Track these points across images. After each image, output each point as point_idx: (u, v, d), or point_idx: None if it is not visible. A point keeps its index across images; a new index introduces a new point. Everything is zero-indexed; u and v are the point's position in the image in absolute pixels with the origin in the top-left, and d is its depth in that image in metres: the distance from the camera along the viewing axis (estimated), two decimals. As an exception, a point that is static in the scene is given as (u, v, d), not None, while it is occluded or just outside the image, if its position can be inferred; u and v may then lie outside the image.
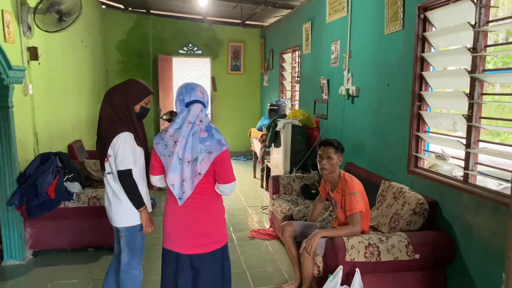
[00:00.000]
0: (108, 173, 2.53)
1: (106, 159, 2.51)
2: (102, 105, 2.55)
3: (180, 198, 2.21)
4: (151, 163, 2.34)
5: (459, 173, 3.03)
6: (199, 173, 2.16)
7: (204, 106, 2.23)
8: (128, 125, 2.50)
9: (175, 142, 2.17)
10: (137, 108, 2.57)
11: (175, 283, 2.33)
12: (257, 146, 7.07)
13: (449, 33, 2.99)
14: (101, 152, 2.54)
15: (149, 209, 2.65)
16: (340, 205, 3.03)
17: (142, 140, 2.57)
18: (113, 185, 2.53)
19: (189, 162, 2.15)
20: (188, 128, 2.16)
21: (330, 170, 3.06)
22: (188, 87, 2.25)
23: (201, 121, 2.19)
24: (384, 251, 2.68)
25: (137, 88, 2.58)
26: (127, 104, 2.51)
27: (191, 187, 2.18)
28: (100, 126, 2.55)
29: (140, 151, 2.56)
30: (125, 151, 2.43)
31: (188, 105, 2.21)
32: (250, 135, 7.70)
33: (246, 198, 6.10)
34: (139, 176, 2.55)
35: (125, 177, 2.46)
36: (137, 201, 2.51)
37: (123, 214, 2.54)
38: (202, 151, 2.14)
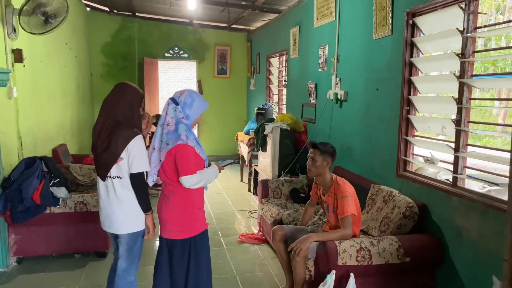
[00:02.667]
0: (114, 177, 2.47)
1: (115, 163, 2.44)
2: (104, 113, 2.49)
3: (152, 181, 2.53)
4: None
5: (444, 176, 3.07)
6: (160, 160, 2.46)
7: (175, 103, 2.48)
8: (138, 128, 2.56)
9: None
10: (140, 111, 2.62)
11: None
12: (244, 150, 7.05)
13: (438, 38, 3.04)
14: (107, 158, 2.45)
15: None
16: (332, 208, 3.04)
17: (145, 143, 2.63)
18: (118, 191, 2.48)
19: (154, 149, 2.47)
20: (160, 121, 2.50)
21: (314, 172, 3.10)
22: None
23: (166, 113, 2.46)
24: (376, 254, 2.69)
25: (136, 92, 2.60)
26: (133, 108, 2.55)
27: (154, 171, 2.49)
28: (101, 135, 2.48)
29: None
30: (141, 153, 2.47)
31: None
32: (237, 139, 7.69)
33: (234, 202, 6.08)
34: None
35: (139, 180, 2.47)
36: (146, 204, 2.55)
37: (127, 220, 2.53)
38: (163, 141, 2.43)
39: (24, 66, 4.15)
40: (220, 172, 2.68)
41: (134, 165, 2.44)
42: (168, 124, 2.44)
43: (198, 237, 2.54)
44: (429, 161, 3.17)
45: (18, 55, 3.92)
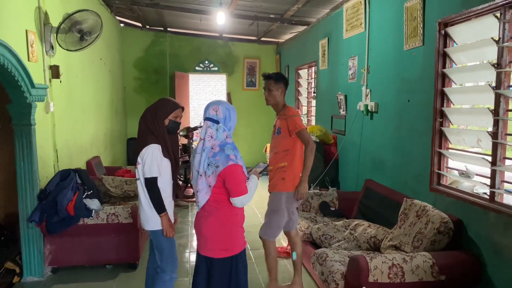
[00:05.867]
0: (137, 179, 2.79)
1: (136, 166, 2.77)
2: (139, 121, 2.85)
3: (197, 205, 2.49)
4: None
5: (481, 190, 2.95)
6: (209, 186, 2.37)
7: (216, 123, 2.40)
8: (158, 137, 2.74)
9: (195, 156, 2.45)
10: (166, 121, 2.82)
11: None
12: (273, 162, 7.02)
13: (472, 48, 2.96)
14: (134, 160, 2.81)
15: (171, 217, 2.84)
16: (278, 130, 3.35)
17: (171, 153, 2.81)
18: (141, 191, 2.78)
19: (201, 175, 2.37)
20: (200, 144, 2.41)
21: (271, 101, 3.38)
22: (207, 106, 2.49)
23: (211, 137, 2.38)
24: (409, 271, 2.61)
25: (165, 103, 2.85)
26: (157, 118, 2.77)
27: (204, 198, 2.40)
28: (137, 138, 2.86)
29: (166, 162, 2.78)
30: (152, 161, 2.68)
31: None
32: (266, 151, 7.68)
33: (262, 215, 5.97)
34: (163, 185, 2.75)
35: (151, 184, 2.70)
36: (158, 207, 2.73)
37: (146, 218, 2.79)
38: (212, 165, 2.33)
39: (60, 81, 4.31)
40: (258, 179, 2.64)
41: (145, 170, 2.69)
42: (212, 148, 2.36)
43: (239, 255, 2.47)
44: (464, 174, 3.06)
45: (55, 71, 4.08)
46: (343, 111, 5.24)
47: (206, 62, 9.15)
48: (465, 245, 2.91)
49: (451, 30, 3.13)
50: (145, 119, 2.79)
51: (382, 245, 3.30)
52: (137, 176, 2.79)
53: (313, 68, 6.90)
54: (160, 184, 2.72)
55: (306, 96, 7.43)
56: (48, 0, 4.00)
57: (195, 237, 5.11)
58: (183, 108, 2.92)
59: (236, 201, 2.36)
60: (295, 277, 3.48)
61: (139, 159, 2.72)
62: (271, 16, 6.74)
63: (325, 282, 2.99)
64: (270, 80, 3.35)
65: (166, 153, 2.76)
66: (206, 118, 2.42)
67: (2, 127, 4.54)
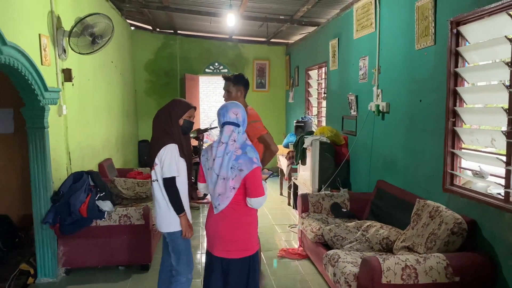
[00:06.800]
0: (154, 180, 2.79)
1: (152, 168, 2.77)
2: (152, 122, 2.87)
3: (215, 207, 2.44)
4: (199, 171, 2.59)
5: (495, 190, 2.91)
6: (233, 188, 2.35)
7: (238, 126, 2.41)
8: (174, 137, 2.76)
9: (214, 158, 2.38)
10: (180, 121, 2.85)
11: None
12: (283, 163, 7.03)
13: (485, 47, 2.92)
14: (150, 162, 2.83)
15: (189, 217, 2.85)
16: None
17: (186, 152, 2.82)
18: (157, 193, 2.78)
19: (224, 178, 2.35)
20: (222, 148, 2.36)
21: None
22: (224, 109, 2.46)
23: (234, 141, 2.37)
24: (422, 273, 2.58)
25: (179, 104, 2.89)
26: (171, 118, 2.80)
27: (226, 201, 2.39)
28: (151, 140, 2.88)
29: (182, 162, 2.79)
30: (170, 160, 2.70)
31: (223, 126, 2.42)
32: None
33: (273, 216, 6.04)
34: (180, 185, 2.77)
35: (170, 184, 2.72)
36: (177, 207, 2.75)
37: (164, 220, 2.80)
38: (235, 168, 2.33)
39: (73, 84, 4.36)
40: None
41: (164, 170, 2.70)
42: (235, 151, 2.36)
43: (256, 255, 2.49)
44: (478, 174, 3.02)
45: (67, 75, 4.13)
46: (354, 111, 5.21)
47: (216, 64, 9.18)
48: (479, 246, 2.88)
49: (463, 29, 3.10)
50: (159, 120, 2.80)
51: (395, 246, 3.28)
52: (153, 178, 2.78)
53: (323, 68, 6.87)
54: (177, 184, 2.73)
55: (317, 97, 7.41)
56: (61, 5, 4.05)
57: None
58: (195, 108, 2.95)
59: (254, 201, 2.37)
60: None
61: (156, 160, 2.73)
62: (280, 17, 6.74)
63: (337, 284, 2.98)
64: (228, 81, 3.36)
65: (182, 153, 2.78)
66: (227, 123, 2.40)
67: (16, 131, 4.61)
